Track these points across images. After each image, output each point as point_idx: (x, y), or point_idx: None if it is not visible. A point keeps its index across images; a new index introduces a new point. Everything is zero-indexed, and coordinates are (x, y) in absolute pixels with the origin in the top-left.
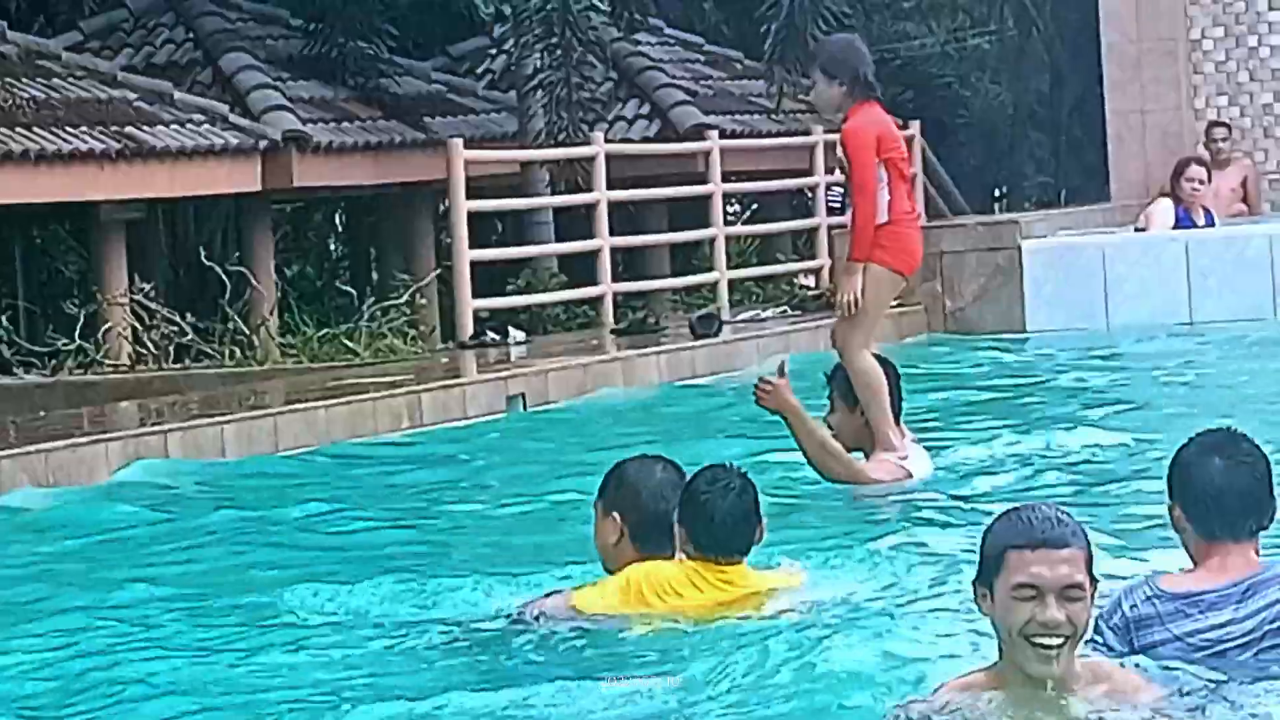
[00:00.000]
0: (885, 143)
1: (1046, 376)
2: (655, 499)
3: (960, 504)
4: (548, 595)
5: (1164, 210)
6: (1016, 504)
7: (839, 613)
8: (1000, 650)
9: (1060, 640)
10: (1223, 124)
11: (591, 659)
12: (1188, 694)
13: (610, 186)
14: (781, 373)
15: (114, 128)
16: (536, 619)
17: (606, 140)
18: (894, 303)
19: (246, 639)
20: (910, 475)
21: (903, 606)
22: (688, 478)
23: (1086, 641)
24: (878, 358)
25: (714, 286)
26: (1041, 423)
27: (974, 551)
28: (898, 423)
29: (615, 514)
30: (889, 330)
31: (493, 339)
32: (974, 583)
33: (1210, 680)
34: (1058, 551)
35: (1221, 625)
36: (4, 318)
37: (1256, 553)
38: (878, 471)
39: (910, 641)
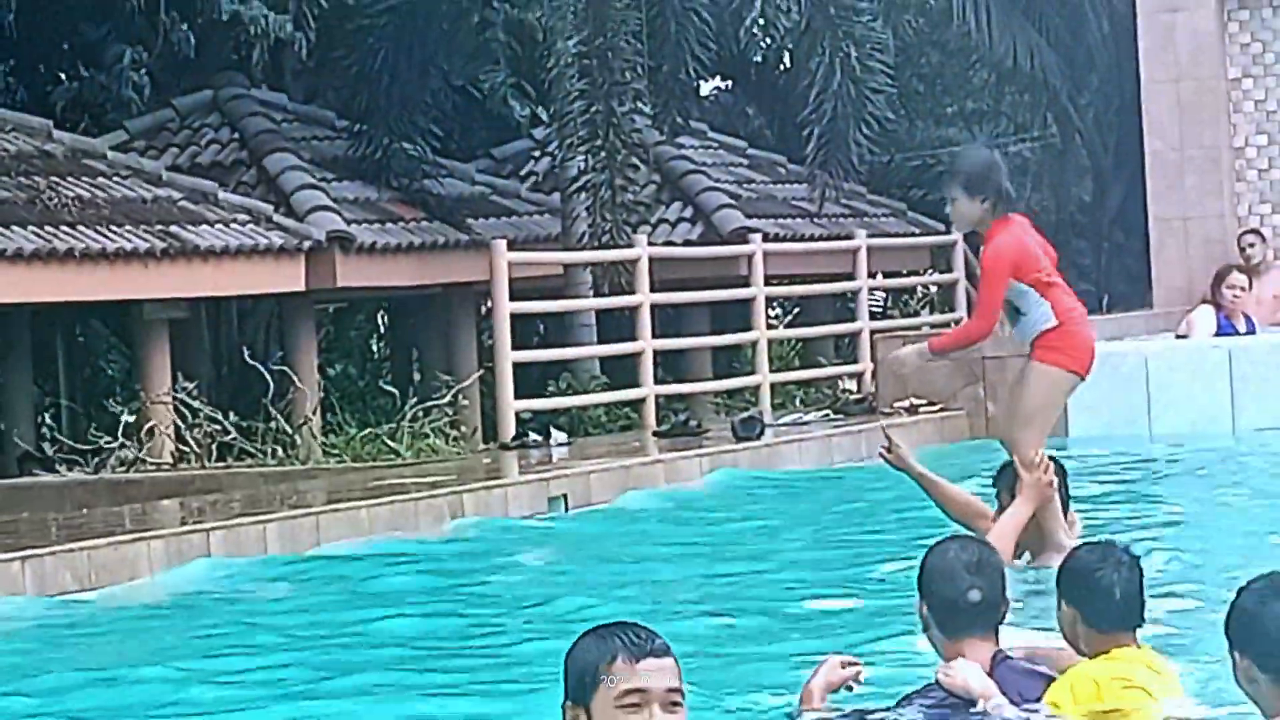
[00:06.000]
0: (1024, 267)
1: (1089, 480)
2: (945, 581)
3: None
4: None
5: (1206, 317)
6: (600, 623)
7: None
8: None
9: None
10: (1254, 231)
11: None
12: None
13: (653, 289)
14: (889, 440)
15: (159, 227)
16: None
17: (649, 243)
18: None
19: None
20: None
21: None
22: (991, 556)
23: None
24: (1048, 458)
25: (756, 389)
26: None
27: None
28: (1066, 518)
29: (920, 599)
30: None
31: (535, 440)
32: (564, 704)
33: None
34: (661, 660)
35: None
36: (47, 415)
37: None
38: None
39: None
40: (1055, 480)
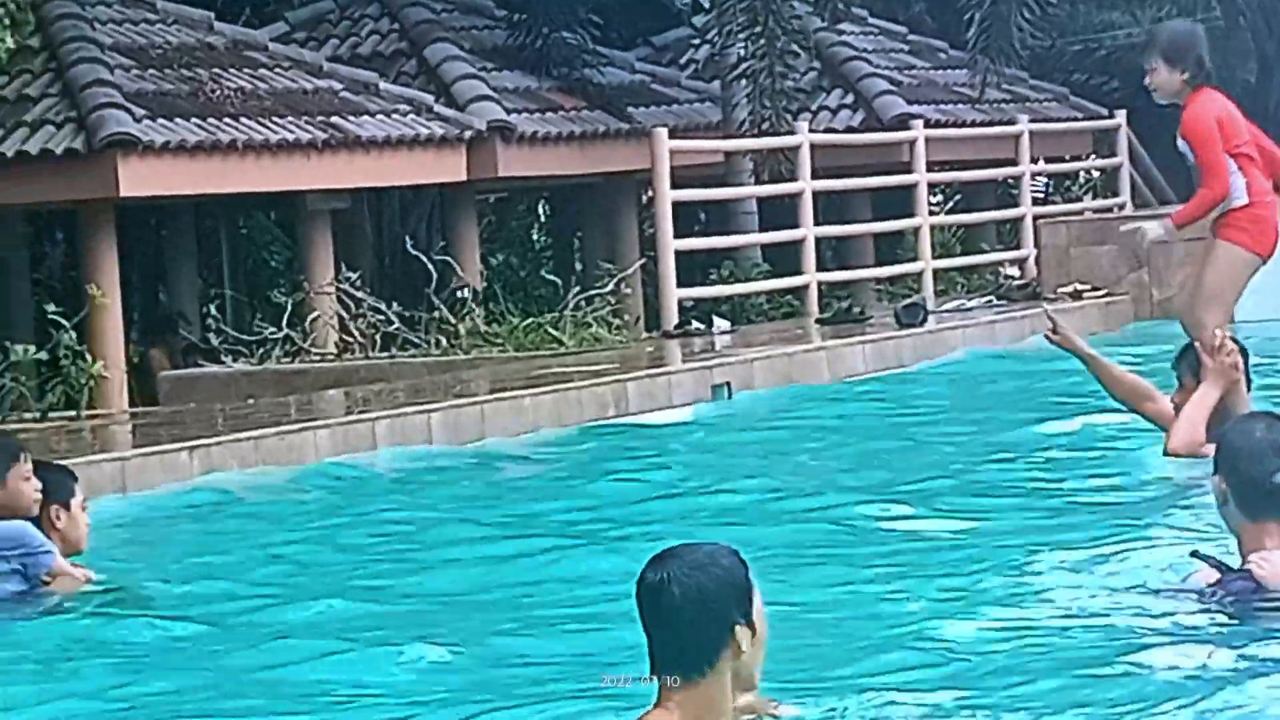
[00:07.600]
0: (1226, 128)
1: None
2: (1250, 461)
3: None
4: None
5: None
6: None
7: None
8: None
9: None
10: None
11: None
12: None
13: (814, 176)
14: (1053, 322)
15: (320, 118)
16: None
17: (810, 130)
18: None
19: None
20: None
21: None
22: None
23: None
24: (1230, 339)
25: (919, 276)
26: None
27: None
28: None
29: (1219, 475)
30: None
31: (697, 328)
32: (734, 627)
33: None
34: None
35: None
36: (212, 307)
37: None
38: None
39: None
40: (1240, 361)
